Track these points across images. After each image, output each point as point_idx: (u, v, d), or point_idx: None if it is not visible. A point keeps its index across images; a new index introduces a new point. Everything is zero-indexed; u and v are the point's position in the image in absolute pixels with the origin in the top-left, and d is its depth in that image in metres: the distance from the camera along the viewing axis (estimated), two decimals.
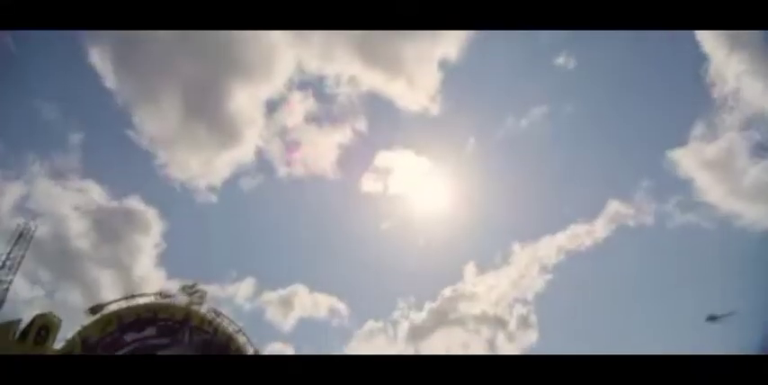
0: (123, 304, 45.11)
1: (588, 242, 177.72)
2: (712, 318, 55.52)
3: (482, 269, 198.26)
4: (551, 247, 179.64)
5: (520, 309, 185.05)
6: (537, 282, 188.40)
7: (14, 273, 42.41)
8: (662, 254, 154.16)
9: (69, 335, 40.29)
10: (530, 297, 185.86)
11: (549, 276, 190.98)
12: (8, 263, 41.73)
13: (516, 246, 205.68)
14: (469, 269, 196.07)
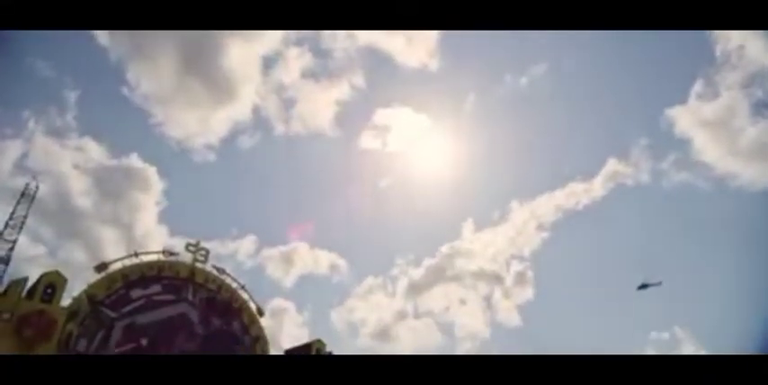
0: (128, 262, 45.70)
1: (586, 201, 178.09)
2: (643, 286, 56.89)
3: (480, 226, 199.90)
4: (549, 205, 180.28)
5: (517, 266, 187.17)
6: (534, 240, 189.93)
7: (19, 233, 42.88)
8: (658, 213, 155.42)
9: (75, 293, 40.92)
10: (527, 254, 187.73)
11: (546, 234, 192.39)
12: (11, 222, 42.04)
13: (514, 204, 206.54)
14: (468, 226, 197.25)
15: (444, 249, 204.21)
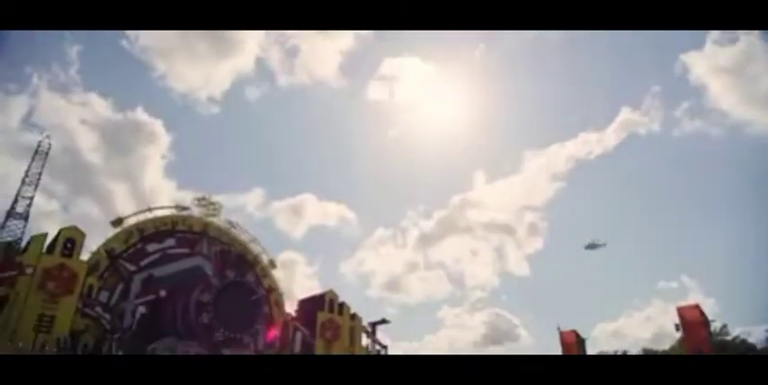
0: (142, 217, 46.72)
1: (598, 150, 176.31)
2: (591, 247, 59.53)
3: (491, 177, 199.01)
4: (561, 155, 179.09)
5: (529, 217, 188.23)
6: (546, 190, 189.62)
7: (35, 190, 43.58)
8: (670, 161, 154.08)
9: (93, 248, 42.13)
10: (539, 204, 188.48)
11: (558, 184, 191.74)
12: (27, 179, 42.66)
13: (527, 154, 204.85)
14: (479, 177, 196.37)
15: (455, 200, 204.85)
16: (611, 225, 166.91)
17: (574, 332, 61.77)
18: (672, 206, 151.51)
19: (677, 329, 53.52)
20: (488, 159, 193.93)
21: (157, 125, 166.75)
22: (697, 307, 52.97)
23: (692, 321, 51.34)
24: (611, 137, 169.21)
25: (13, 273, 32.93)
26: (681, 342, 59.89)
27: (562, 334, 61.71)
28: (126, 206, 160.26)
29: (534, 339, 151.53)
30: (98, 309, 36.93)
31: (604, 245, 66.30)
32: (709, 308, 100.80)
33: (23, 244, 39.61)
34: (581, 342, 62.49)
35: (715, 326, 57.64)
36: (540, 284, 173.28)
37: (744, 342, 65.37)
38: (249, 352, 41.55)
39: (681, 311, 52.61)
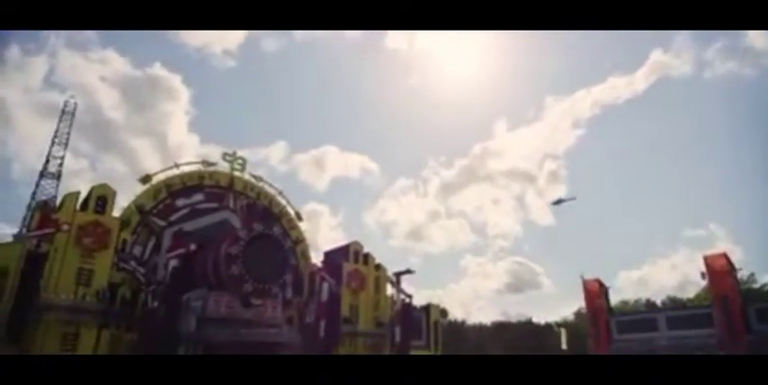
0: (170, 173, 47.96)
1: (626, 95, 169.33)
2: (558, 202, 60.80)
3: (513, 125, 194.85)
4: (586, 101, 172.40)
5: (550, 165, 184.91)
6: (569, 137, 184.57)
7: (65, 149, 45.01)
8: (702, 105, 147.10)
9: (124, 204, 43.73)
10: (561, 152, 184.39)
11: (581, 131, 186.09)
12: (56, 139, 43.98)
13: (549, 101, 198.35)
14: (500, 125, 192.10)
15: (476, 149, 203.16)
16: (637, 171, 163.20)
17: (597, 280, 62.17)
18: (702, 151, 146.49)
19: (703, 277, 53.34)
20: (510, 107, 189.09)
21: (176, 80, 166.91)
22: (724, 255, 52.41)
23: (719, 269, 50.99)
24: (640, 80, 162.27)
25: (51, 230, 34.57)
26: (706, 290, 59.88)
27: (585, 282, 62.21)
28: (151, 162, 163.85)
29: (557, 287, 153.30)
30: (132, 263, 38.82)
31: (573, 199, 69.29)
32: (737, 257, 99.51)
33: (58, 202, 41.52)
34: (604, 290, 62.99)
35: (742, 274, 57.36)
36: (563, 233, 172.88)
37: None
38: (277, 302, 43.33)
39: (707, 260, 52.20)
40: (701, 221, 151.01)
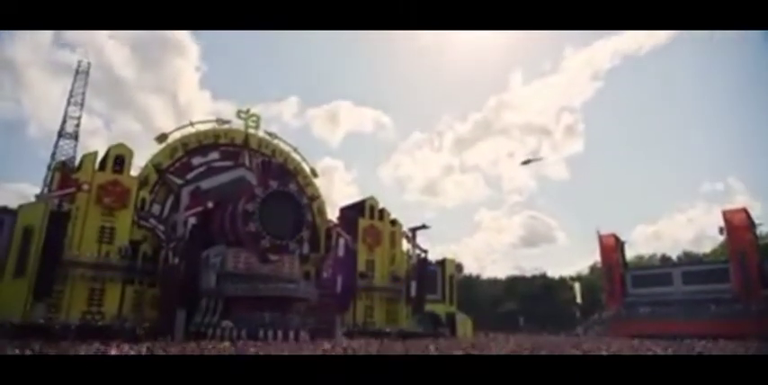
0: (185, 132, 48.10)
1: (649, 45, 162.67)
2: (526, 162, 62.68)
3: (528, 77, 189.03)
4: (606, 52, 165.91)
5: (567, 118, 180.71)
6: (587, 90, 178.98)
7: (81, 109, 45.11)
8: (728, 56, 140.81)
9: (141, 163, 44.18)
10: (578, 105, 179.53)
11: (600, 83, 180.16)
12: (72, 99, 44.06)
13: (568, 52, 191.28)
14: (515, 78, 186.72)
15: (491, 102, 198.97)
16: (655, 125, 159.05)
17: (613, 235, 62.24)
18: (723, 104, 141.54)
19: (721, 232, 53.00)
20: (526, 59, 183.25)
21: (184, 35, 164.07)
22: (744, 210, 51.81)
23: (738, 225, 50.53)
24: (663, 31, 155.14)
25: (72, 190, 35.32)
26: (724, 245, 59.58)
27: (601, 237, 62.29)
28: (165, 120, 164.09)
29: (571, 241, 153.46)
30: (152, 221, 39.69)
31: (540, 159, 72.28)
32: (756, 212, 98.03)
33: (77, 163, 42.13)
34: (620, 245, 63.10)
35: (761, 229, 56.74)
36: (579, 187, 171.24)
37: None
38: (294, 258, 44.26)
39: (726, 214, 51.68)
40: (720, 175, 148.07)
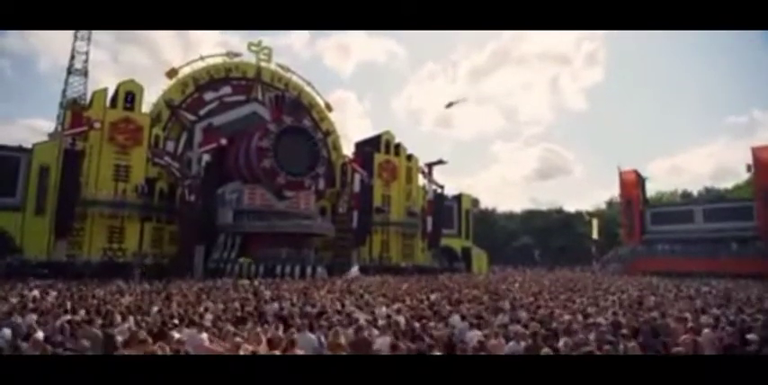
0: (195, 66, 46.77)
1: None
2: (449, 105, 63.59)
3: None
4: None
5: (588, 46, 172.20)
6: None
7: (89, 44, 43.63)
8: None
9: (152, 99, 43.36)
10: (599, 33, 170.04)
11: None
12: (79, 34, 42.45)
13: None
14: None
15: (508, 30, 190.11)
16: (678, 54, 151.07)
17: (634, 171, 60.82)
18: (748, 34, 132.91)
19: (748, 170, 51.32)
20: None
21: None
22: None
23: (767, 162, 48.74)
24: None
25: (84, 128, 35.00)
26: (749, 182, 57.94)
27: (621, 173, 60.96)
28: (173, 53, 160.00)
29: (588, 174, 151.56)
30: (167, 158, 39.48)
31: (464, 100, 71.64)
32: None
33: (87, 100, 41.46)
34: (641, 181, 61.83)
35: None
36: (597, 119, 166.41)
37: None
38: (310, 193, 44.27)
39: (755, 151, 49.75)
40: (744, 108, 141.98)
